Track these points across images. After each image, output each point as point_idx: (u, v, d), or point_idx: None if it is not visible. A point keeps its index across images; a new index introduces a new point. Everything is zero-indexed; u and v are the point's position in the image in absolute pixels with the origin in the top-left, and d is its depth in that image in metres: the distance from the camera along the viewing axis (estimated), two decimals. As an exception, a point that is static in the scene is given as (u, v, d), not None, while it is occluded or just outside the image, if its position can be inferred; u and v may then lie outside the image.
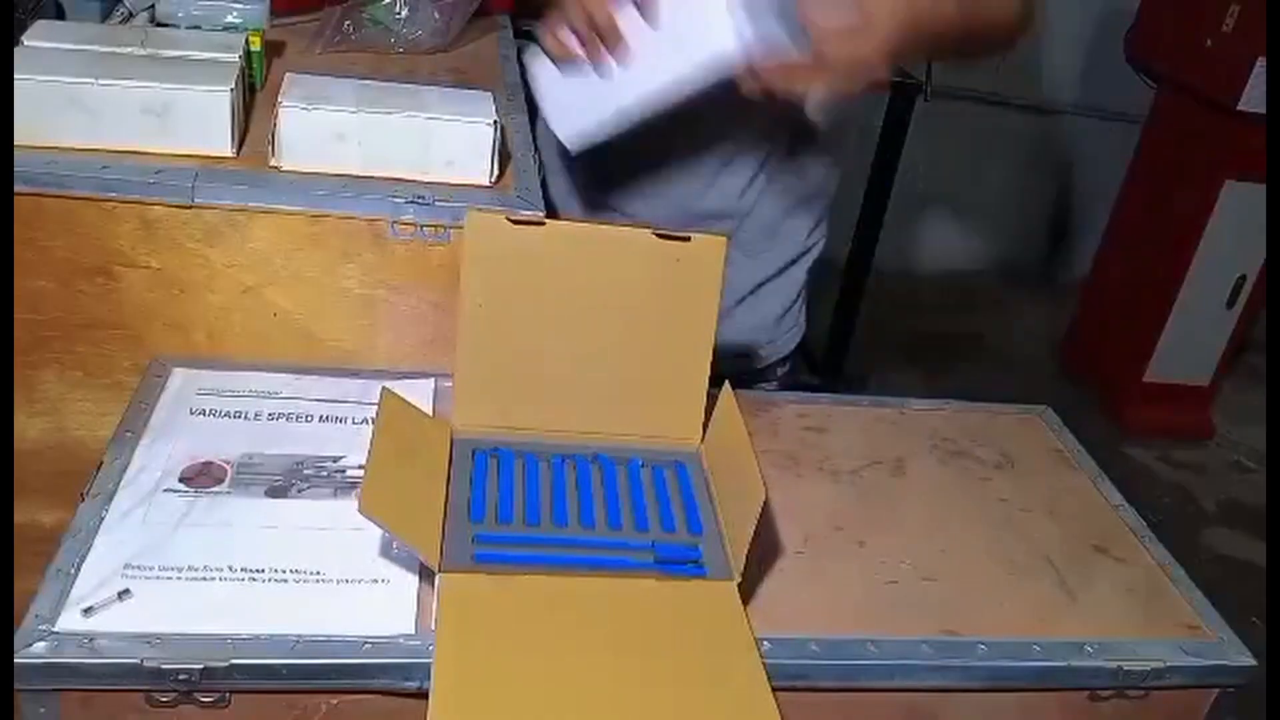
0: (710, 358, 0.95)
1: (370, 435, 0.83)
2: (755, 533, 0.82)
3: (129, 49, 1.05)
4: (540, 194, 1.07)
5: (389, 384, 0.91)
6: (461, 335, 0.92)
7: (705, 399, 0.96)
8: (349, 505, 0.86)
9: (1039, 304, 3.64)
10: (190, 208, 0.98)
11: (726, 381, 0.94)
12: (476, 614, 0.77)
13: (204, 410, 0.95)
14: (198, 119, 1.00)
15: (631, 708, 0.73)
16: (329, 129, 1.01)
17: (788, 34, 0.83)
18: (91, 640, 0.72)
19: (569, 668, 0.75)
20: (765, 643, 0.80)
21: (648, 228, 0.92)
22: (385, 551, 0.83)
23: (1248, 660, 0.90)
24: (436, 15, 1.34)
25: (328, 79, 1.08)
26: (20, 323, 1.00)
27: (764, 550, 0.89)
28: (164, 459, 0.89)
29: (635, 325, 0.94)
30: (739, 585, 0.83)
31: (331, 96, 1.02)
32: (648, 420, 0.96)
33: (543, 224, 0.92)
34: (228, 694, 0.74)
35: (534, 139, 1.17)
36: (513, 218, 0.90)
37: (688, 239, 0.92)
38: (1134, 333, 3.06)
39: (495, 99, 1.09)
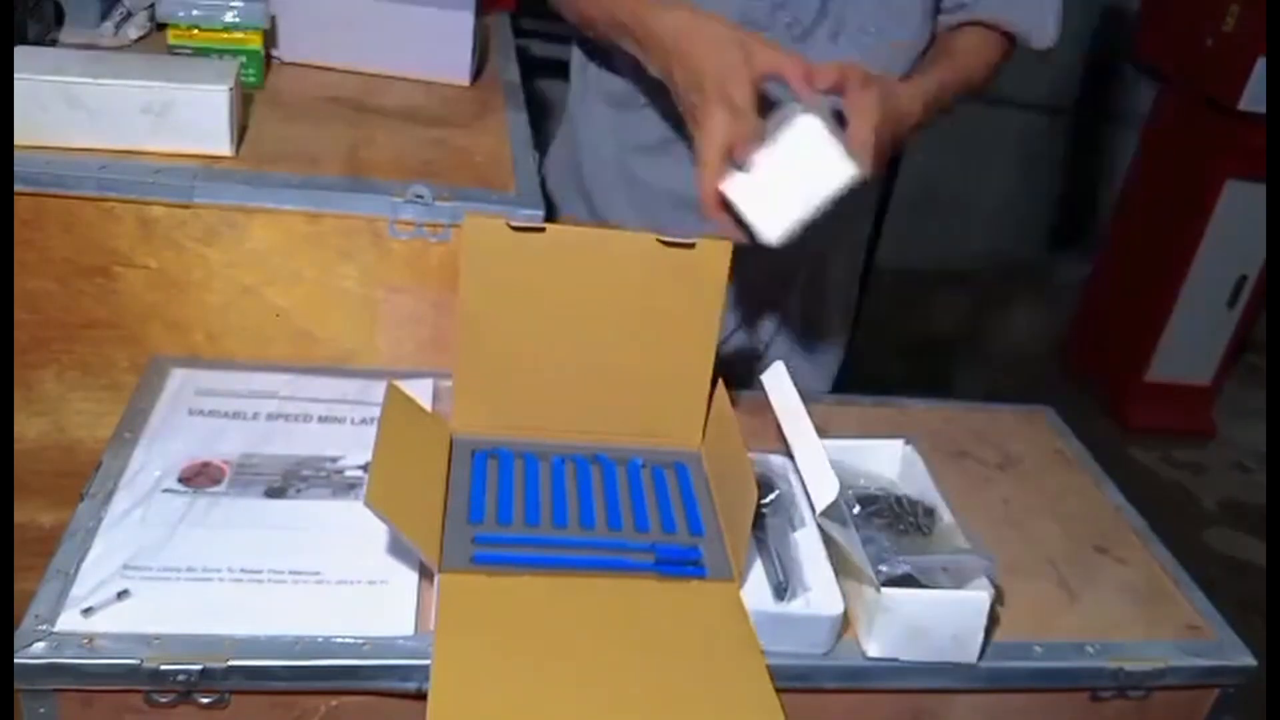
0: (712, 361, 0.95)
1: (372, 433, 0.83)
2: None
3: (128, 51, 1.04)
4: (540, 195, 1.06)
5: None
6: (460, 338, 0.92)
7: (707, 402, 0.96)
8: (348, 506, 0.86)
9: (1040, 304, 3.63)
10: (189, 207, 0.98)
11: (721, 381, 0.93)
12: (475, 615, 0.77)
13: (203, 410, 0.95)
14: (197, 118, 1.00)
15: (632, 709, 0.73)
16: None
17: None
18: (91, 640, 0.72)
19: (569, 669, 0.75)
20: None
21: (651, 232, 0.92)
22: (384, 552, 0.83)
23: (1248, 660, 0.90)
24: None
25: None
26: (19, 323, 1.00)
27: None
28: (162, 459, 0.89)
29: (637, 328, 0.93)
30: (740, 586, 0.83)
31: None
32: (648, 423, 0.96)
33: (543, 230, 0.91)
34: (227, 694, 0.74)
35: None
36: (512, 224, 0.90)
37: (692, 245, 0.91)
38: (1135, 333, 3.06)
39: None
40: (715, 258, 0.92)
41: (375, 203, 1.01)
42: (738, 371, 1.03)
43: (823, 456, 0.82)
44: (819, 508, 0.80)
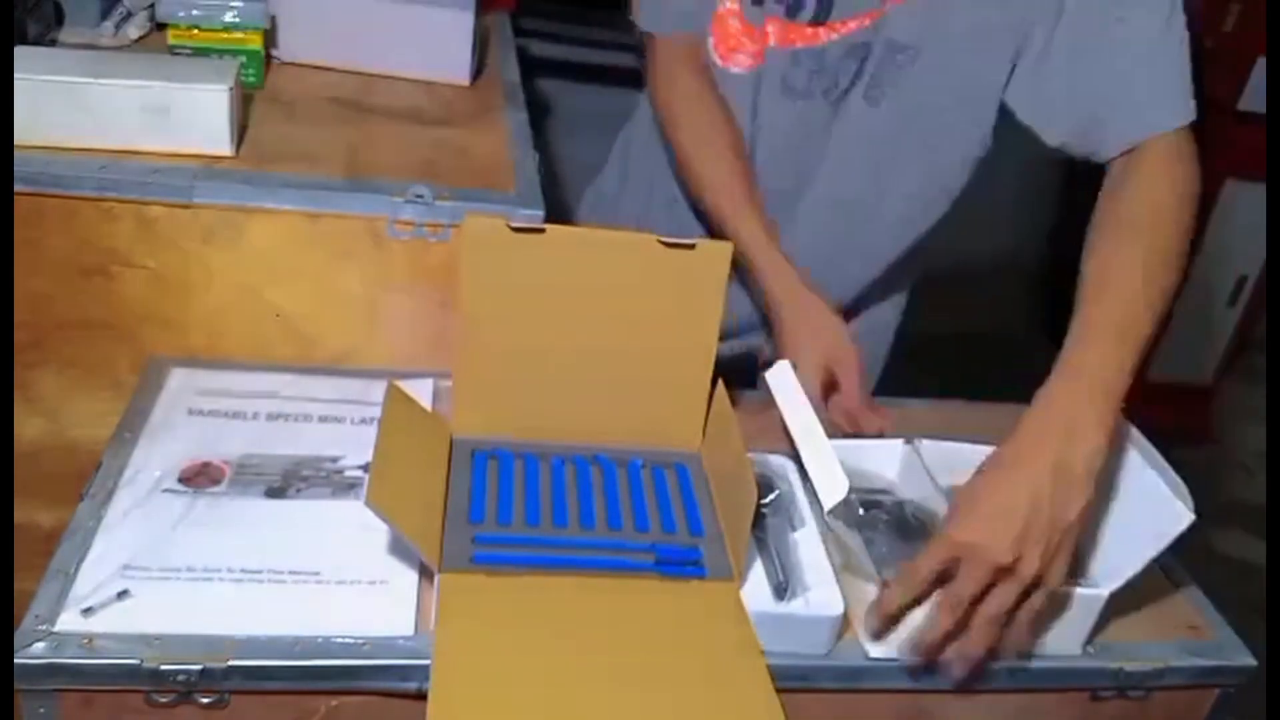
0: (712, 361, 0.94)
1: (372, 433, 0.83)
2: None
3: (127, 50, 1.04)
4: (540, 195, 1.06)
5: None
6: (460, 338, 0.92)
7: (707, 403, 0.96)
8: (347, 506, 0.86)
9: (1040, 303, 3.63)
10: (189, 207, 0.98)
11: (721, 381, 0.93)
12: (476, 615, 0.77)
13: (202, 410, 0.95)
14: (197, 118, 1.00)
15: (632, 709, 0.73)
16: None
17: None
18: (91, 640, 0.72)
19: (569, 670, 0.75)
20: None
21: (652, 234, 0.91)
22: (384, 552, 0.83)
23: (1248, 660, 0.90)
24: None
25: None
26: (19, 323, 1.00)
27: (764, 551, 0.88)
28: (162, 459, 0.88)
29: (637, 329, 0.93)
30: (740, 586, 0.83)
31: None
32: (648, 424, 0.96)
33: (543, 230, 0.91)
34: (227, 694, 0.74)
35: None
36: (512, 224, 0.90)
37: (692, 246, 0.91)
38: (1134, 332, 3.06)
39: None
40: (715, 258, 0.92)
41: (375, 203, 1.01)
42: (737, 372, 1.03)
43: (831, 454, 0.82)
44: (827, 505, 0.80)
